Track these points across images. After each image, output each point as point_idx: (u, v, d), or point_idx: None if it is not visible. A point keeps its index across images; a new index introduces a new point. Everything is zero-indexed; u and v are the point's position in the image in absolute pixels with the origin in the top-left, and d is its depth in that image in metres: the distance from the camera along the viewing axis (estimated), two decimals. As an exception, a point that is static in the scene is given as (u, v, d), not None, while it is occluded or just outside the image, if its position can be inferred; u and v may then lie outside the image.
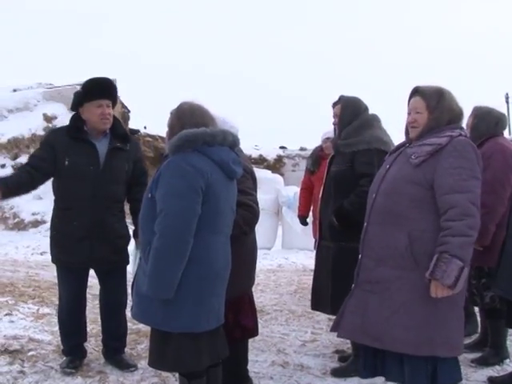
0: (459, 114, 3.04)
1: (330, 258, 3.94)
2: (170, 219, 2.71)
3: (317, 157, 6.17)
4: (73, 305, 3.94)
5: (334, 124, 4.24)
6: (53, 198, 3.97)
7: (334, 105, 4.25)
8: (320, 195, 4.17)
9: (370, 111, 4.09)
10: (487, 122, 4.15)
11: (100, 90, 3.82)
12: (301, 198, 6.68)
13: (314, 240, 6.40)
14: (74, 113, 3.92)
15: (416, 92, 3.07)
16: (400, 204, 2.92)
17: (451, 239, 2.74)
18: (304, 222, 6.72)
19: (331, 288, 3.86)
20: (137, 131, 14.23)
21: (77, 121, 3.88)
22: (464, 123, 3.23)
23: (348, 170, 3.89)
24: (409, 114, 3.08)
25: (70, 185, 3.80)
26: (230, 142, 2.94)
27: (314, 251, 4.40)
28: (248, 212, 3.24)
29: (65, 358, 3.94)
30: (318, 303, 4.10)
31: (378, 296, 2.96)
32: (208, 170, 2.79)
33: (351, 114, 4.00)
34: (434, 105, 2.99)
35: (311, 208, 6.39)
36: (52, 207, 3.96)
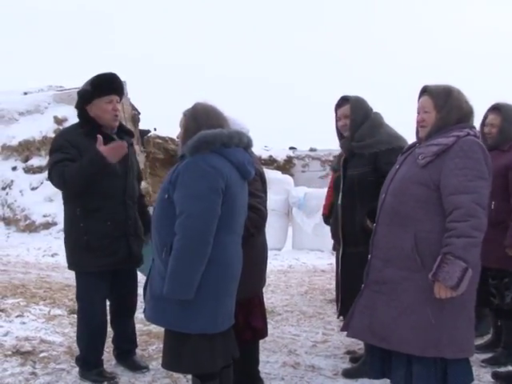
0: (469, 113, 3.01)
1: (362, 263, 3.52)
2: (191, 221, 2.69)
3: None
4: (104, 310, 3.83)
5: (342, 126, 3.98)
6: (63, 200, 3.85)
7: (338, 106, 4.02)
8: (339, 201, 3.95)
9: (381, 111, 3.98)
10: None
11: (109, 85, 3.73)
12: (327, 196, 6.60)
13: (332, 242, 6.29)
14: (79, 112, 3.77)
15: (424, 91, 3.05)
16: (406, 205, 2.91)
17: (455, 240, 2.72)
18: (328, 222, 6.57)
19: None
20: (147, 131, 14.30)
21: (87, 118, 3.72)
22: (475, 122, 3.19)
23: (370, 172, 3.76)
24: (418, 113, 3.06)
25: (100, 183, 3.60)
26: (245, 143, 2.94)
27: (330, 254, 4.19)
28: (256, 214, 3.23)
29: (93, 371, 3.74)
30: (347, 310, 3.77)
31: (385, 296, 2.96)
32: (227, 170, 2.79)
33: (363, 115, 3.86)
34: (441, 104, 2.97)
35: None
36: (63, 210, 3.84)
